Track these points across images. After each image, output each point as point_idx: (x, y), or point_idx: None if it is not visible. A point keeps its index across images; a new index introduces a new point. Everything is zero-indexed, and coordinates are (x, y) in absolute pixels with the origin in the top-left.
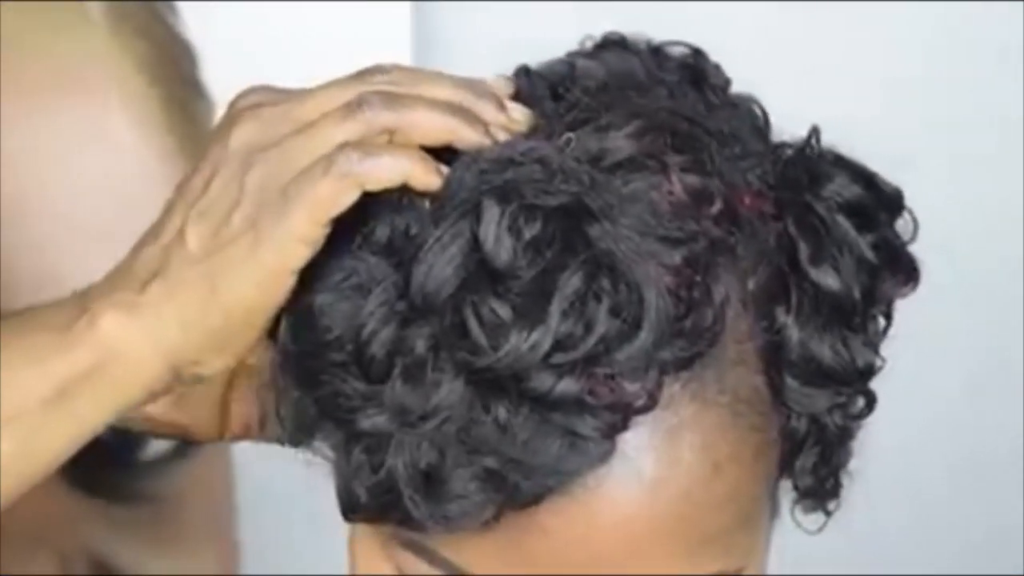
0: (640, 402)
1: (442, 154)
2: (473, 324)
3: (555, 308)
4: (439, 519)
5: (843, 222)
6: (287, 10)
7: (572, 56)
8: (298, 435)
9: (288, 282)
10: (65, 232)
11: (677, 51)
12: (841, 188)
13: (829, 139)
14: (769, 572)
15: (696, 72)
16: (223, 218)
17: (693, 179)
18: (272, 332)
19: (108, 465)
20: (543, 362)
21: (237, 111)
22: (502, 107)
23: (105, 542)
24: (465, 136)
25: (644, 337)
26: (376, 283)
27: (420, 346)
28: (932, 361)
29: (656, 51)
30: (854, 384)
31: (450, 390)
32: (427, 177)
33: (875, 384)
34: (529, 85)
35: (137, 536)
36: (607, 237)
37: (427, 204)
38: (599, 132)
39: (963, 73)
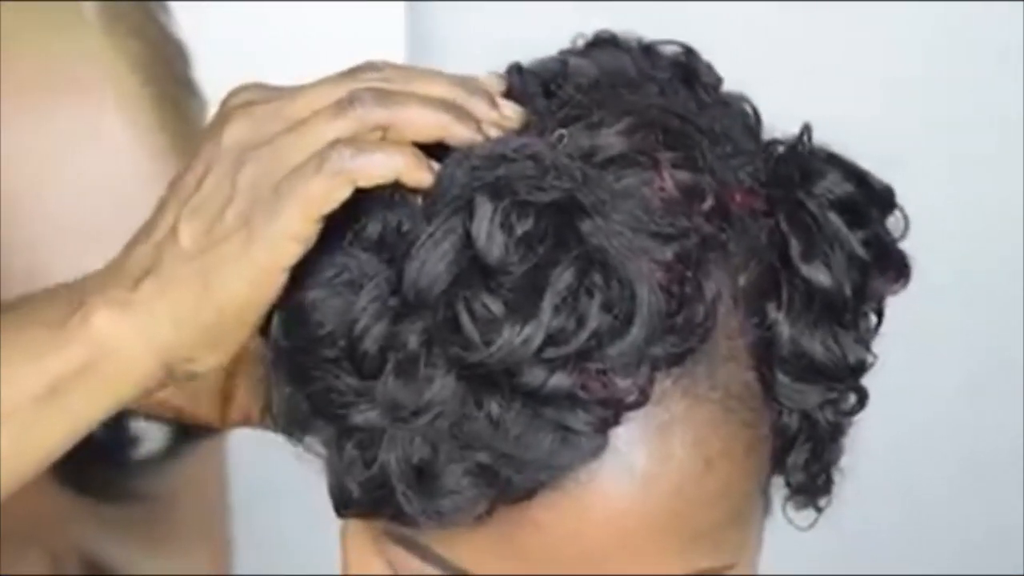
0: (632, 397)
1: (434, 151)
2: (465, 319)
3: (547, 303)
4: (432, 514)
5: (834, 219)
6: (281, 10)
7: (564, 54)
8: (290, 431)
9: (280, 279)
10: (59, 231)
11: (669, 49)
12: (833, 185)
13: (829, 139)
14: (769, 572)
15: (687, 70)
16: (216, 215)
17: (684, 175)
18: (264, 329)
19: (100, 464)
20: (535, 357)
21: (229, 109)
22: (494, 104)
23: (97, 541)
24: (457, 133)
25: (636, 333)
26: (368, 279)
27: (412, 341)
28: (932, 361)
29: (647, 49)
30: (845, 380)
31: (442, 385)
32: (419, 174)
33: (875, 384)
34: (521, 82)
35: (129, 535)
36: (599, 233)
37: (419, 200)
38: (591, 129)
39: (963, 73)
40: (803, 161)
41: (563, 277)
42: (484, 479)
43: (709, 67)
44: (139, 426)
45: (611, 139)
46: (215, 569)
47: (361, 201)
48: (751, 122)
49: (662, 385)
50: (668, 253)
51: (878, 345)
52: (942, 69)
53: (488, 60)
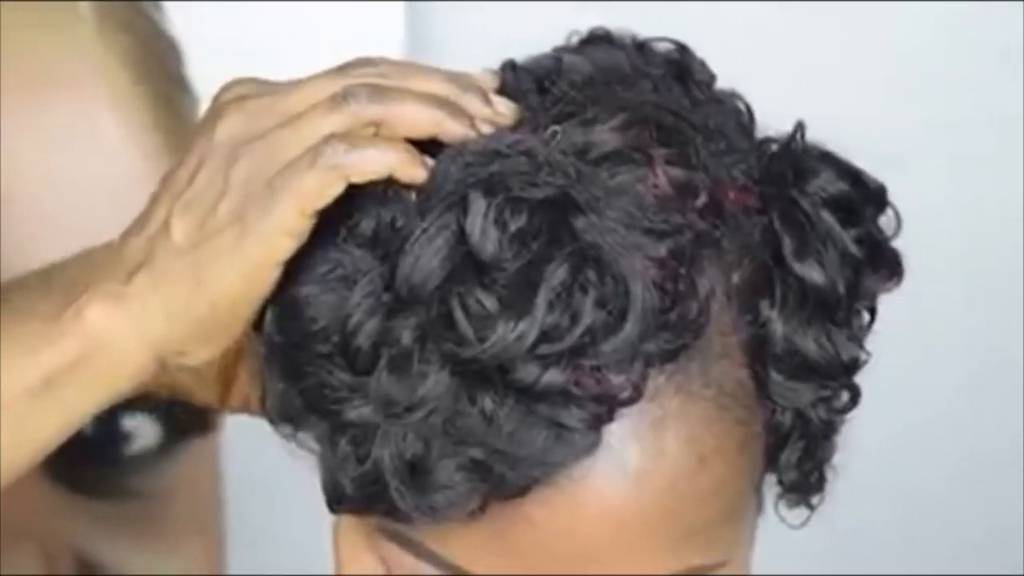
0: (625, 394)
1: (428, 147)
2: (459, 315)
3: (541, 300)
4: (425, 510)
5: (828, 217)
6: (280, 10)
7: (558, 51)
8: (284, 427)
9: (273, 274)
10: (54, 229)
11: (662, 47)
12: (826, 183)
13: (829, 139)
14: (769, 572)
15: (681, 67)
16: (209, 210)
17: (678, 172)
18: (258, 324)
19: (92, 461)
20: (529, 353)
21: (222, 103)
22: (487, 100)
23: (90, 539)
24: (450, 129)
25: (629, 329)
26: (362, 275)
27: (406, 337)
28: (932, 361)
29: (641, 46)
30: (838, 378)
31: (436, 381)
32: (413, 169)
33: (875, 384)
34: (515, 79)
35: (122, 533)
36: (593, 229)
37: (413, 196)
38: (585, 125)
39: (963, 73)
40: (796, 159)
41: (557, 273)
42: (477, 475)
43: (703, 64)
44: (132, 423)
45: (605, 135)
46: (209, 567)
47: (355, 197)
48: (744, 120)
49: (655, 382)
50: (662, 250)
51: (878, 345)
52: (942, 69)
53: (487, 60)
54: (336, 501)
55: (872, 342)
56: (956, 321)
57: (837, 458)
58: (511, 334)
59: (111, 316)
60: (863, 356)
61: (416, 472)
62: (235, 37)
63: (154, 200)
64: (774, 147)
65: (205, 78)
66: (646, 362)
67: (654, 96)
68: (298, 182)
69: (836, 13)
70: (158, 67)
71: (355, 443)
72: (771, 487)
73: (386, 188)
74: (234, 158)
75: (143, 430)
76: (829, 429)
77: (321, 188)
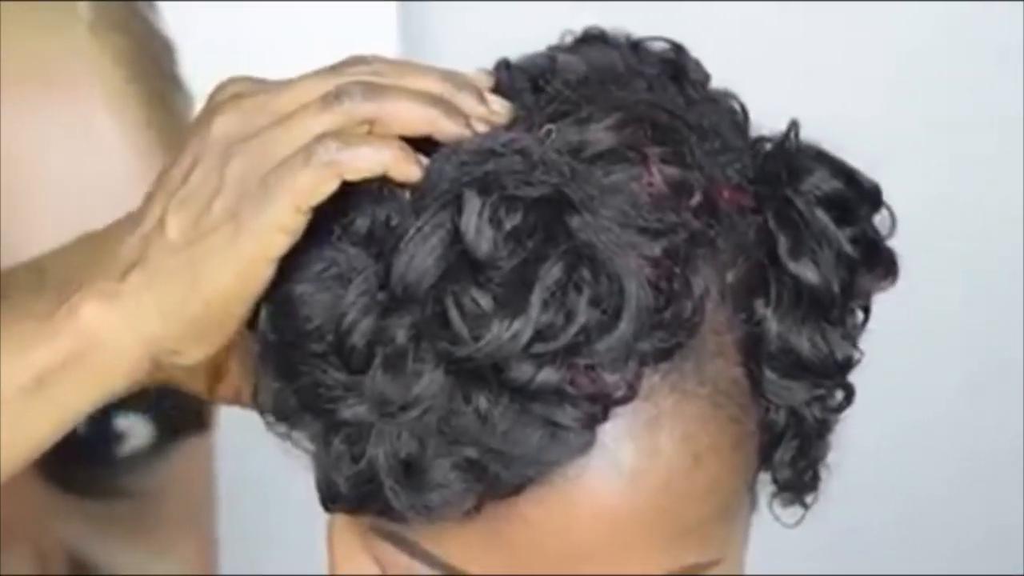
0: (620, 393)
1: (422, 146)
2: (454, 314)
3: (536, 298)
4: (419, 509)
5: (822, 216)
6: (273, 10)
7: (552, 50)
8: (278, 426)
9: (267, 271)
10: (50, 228)
11: (657, 46)
12: (820, 182)
13: (829, 139)
14: (768, 572)
15: (676, 67)
16: (203, 207)
17: (673, 171)
18: (252, 322)
19: (85, 461)
20: (523, 352)
21: (217, 102)
22: (482, 99)
23: (83, 539)
24: (445, 127)
25: (624, 328)
26: (356, 273)
27: (401, 336)
28: (932, 361)
29: (636, 46)
30: (833, 377)
31: (430, 380)
32: (407, 168)
33: (875, 384)
34: (509, 78)
35: (115, 533)
36: (587, 228)
37: (407, 195)
38: (579, 124)
39: (963, 73)
40: (791, 158)
41: (551, 272)
42: (472, 474)
43: (697, 64)
44: (125, 423)
45: (599, 134)
46: (202, 567)
47: (349, 195)
48: (739, 119)
49: (650, 381)
50: (656, 249)
51: (878, 345)
52: (942, 69)
53: (481, 60)
54: (330, 500)
55: (872, 342)
56: (956, 321)
57: (837, 458)
58: (506, 333)
59: (105, 314)
60: (857, 355)
61: (411, 471)
62: (228, 37)
63: (149, 198)
64: (768, 146)
65: (199, 77)
66: (640, 361)
67: (649, 95)
68: (292, 179)
69: (836, 13)
70: (152, 66)
71: (349, 442)
72: (766, 486)
73: (381, 186)
74: (229, 156)
75: (136, 430)
76: (823, 428)
77: (315, 185)
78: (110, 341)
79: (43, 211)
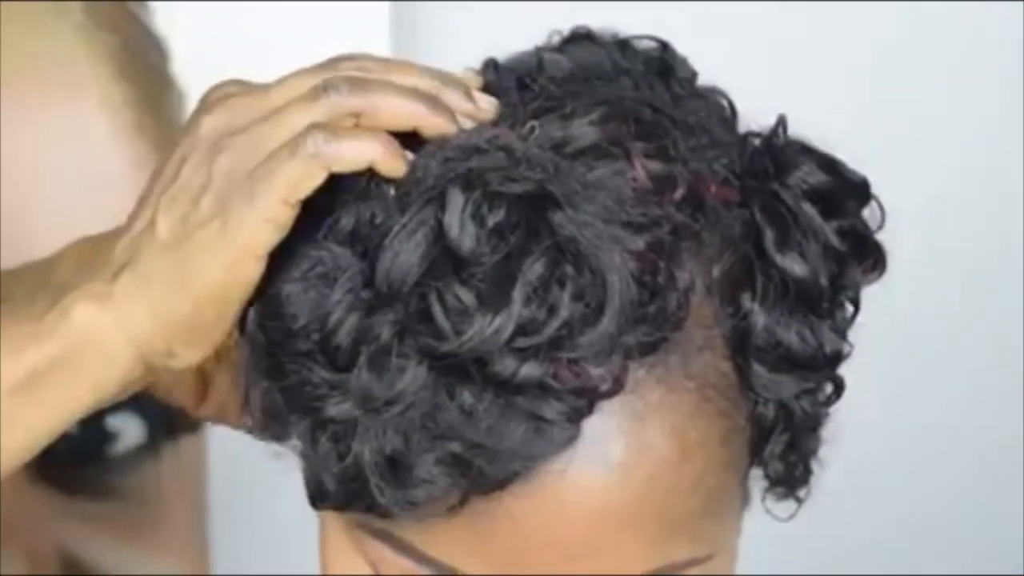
0: (605, 386)
1: (408, 143)
2: (437, 310)
3: (518, 293)
4: (405, 505)
5: (809, 209)
6: (265, 11)
7: (539, 50)
8: (267, 426)
9: (256, 267)
10: (44, 229)
11: (644, 44)
12: (807, 175)
13: (829, 139)
14: (768, 572)
15: (663, 64)
16: (192, 204)
17: (656, 165)
18: (243, 327)
19: (77, 460)
20: (506, 346)
21: (206, 103)
22: (469, 96)
23: (75, 539)
24: (431, 122)
25: (607, 321)
26: (342, 272)
27: (385, 333)
28: (932, 361)
29: (623, 44)
30: (821, 370)
31: (414, 376)
32: (393, 161)
33: (876, 384)
34: (496, 77)
35: (108, 532)
36: (570, 223)
37: (392, 193)
38: (563, 120)
39: (963, 73)
40: (777, 153)
41: (534, 267)
42: (457, 469)
43: (684, 62)
44: (117, 422)
45: (583, 129)
46: (194, 567)
47: (335, 194)
48: (727, 115)
49: (636, 374)
50: (640, 242)
51: (878, 345)
52: (942, 69)
53: (472, 60)
54: (318, 498)
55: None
56: (956, 321)
57: (837, 458)
58: (488, 328)
59: (97, 316)
60: (847, 348)
61: (396, 467)
62: (220, 37)
63: (141, 200)
64: (756, 142)
65: (191, 76)
66: (625, 355)
67: (634, 92)
68: (280, 172)
69: (836, 13)
70: (144, 66)
71: (336, 439)
72: (759, 482)
73: (366, 183)
74: (216, 151)
75: (128, 429)
76: (813, 421)
77: (302, 177)
78: (102, 343)
79: (38, 210)
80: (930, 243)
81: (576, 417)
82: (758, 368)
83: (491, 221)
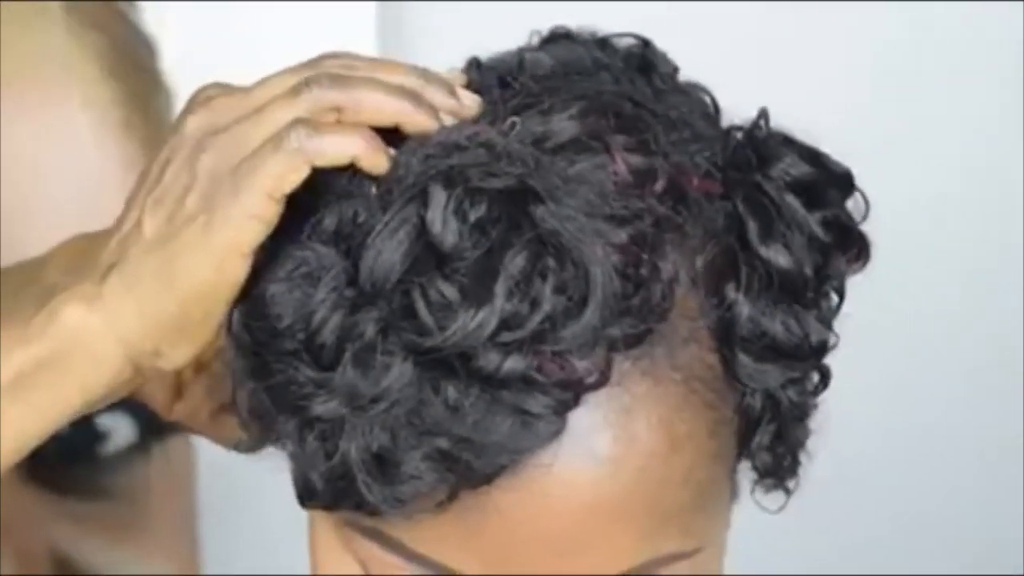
0: (591, 379)
1: (391, 141)
2: (421, 306)
3: (500, 287)
4: (393, 502)
5: (792, 200)
6: (251, 10)
7: (520, 50)
8: (254, 427)
9: (243, 264)
10: (31, 230)
11: (624, 42)
12: (790, 167)
13: (830, 139)
14: (768, 572)
15: (643, 60)
16: (177, 203)
17: (637, 159)
18: (229, 328)
19: (67, 459)
20: (490, 341)
21: (190, 105)
22: (452, 93)
23: (65, 538)
24: (413, 118)
25: (590, 314)
26: (325, 271)
27: (369, 330)
28: (932, 360)
29: (602, 42)
30: (807, 359)
31: (400, 372)
32: (375, 157)
33: (876, 384)
34: (479, 76)
35: (98, 532)
36: (552, 217)
37: (374, 191)
38: (543, 115)
39: (963, 73)
40: (760, 144)
41: (516, 261)
42: (444, 464)
43: (665, 57)
44: (107, 421)
45: (563, 124)
46: (184, 567)
47: (318, 194)
48: (709, 110)
49: (621, 367)
50: (622, 235)
51: (879, 345)
52: (941, 69)
53: (458, 60)
54: (307, 497)
55: (873, 342)
56: (956, 321)
57: (837, 457)
58: (471, 322)
59: (85, 317)
60: (832, 338)
61: (383, 464)
62: (207, 36)
63: (129, 201)
64: (739, 135)
65: (179, 79)
66: (610, 347)
67: (614, 86)
68: (263, 167)
69: (836, 13)
70: (132, 65)
71: (323, 438)
72: (749, 476)
73: (349, 181)
74: (200, 150)
75: (119, 429)
76: (801, 411)
77: (286, 172)
78: (90, 344)
79: (24, 210)
80: (930, 243)
81: (562, 410)
82: (743, 358)
83: (473, 216)
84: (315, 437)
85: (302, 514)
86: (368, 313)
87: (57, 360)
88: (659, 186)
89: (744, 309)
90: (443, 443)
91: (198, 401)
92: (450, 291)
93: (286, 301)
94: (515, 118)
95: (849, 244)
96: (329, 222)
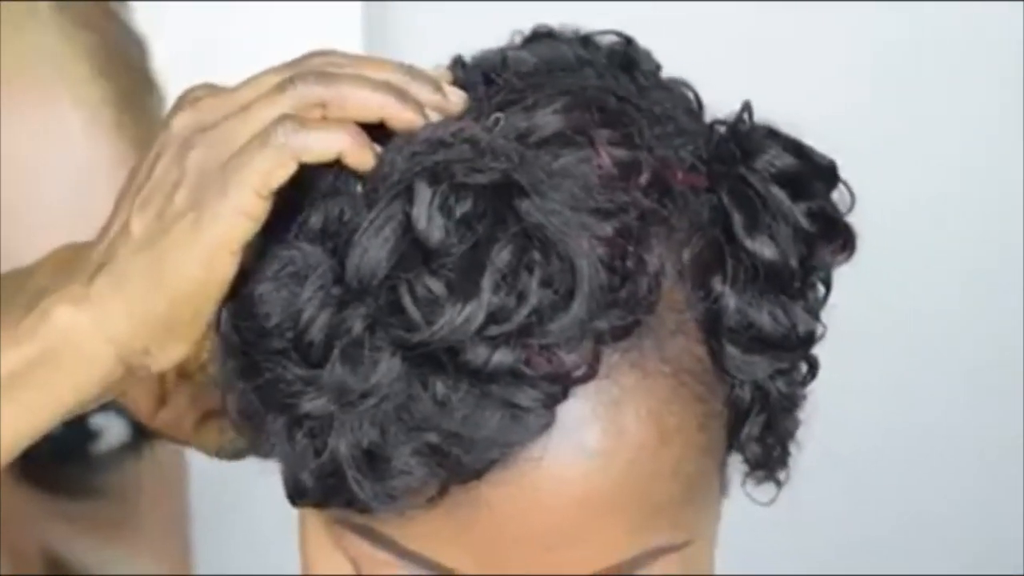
0: (579, 372)
1: (377, 138)
2: (408, 301)
3: (487, 281)
4: (383, 498)
5: (777, 192)
6: (236, 11)
7: (504, 49)
8: (243, 427)
9: (232, 261)
10: (21, 231)
11: (607, 39)
12: (774, 159)
13: (830, 139)
14: (769, 572)
15: (626, 57)
16: (165, 201)
17: (621, 152)
18: (219, 328)
19: (59, 459)
20: (477, 335)
21: (177, 105)
22: (438, 89)
23: (58, 538)
24: (398, 113)
25: (577, 307)
26: (312, 270)
27: (357, 327)
28: (932, 360)
29: (585, 39)
30: (795, 350)
31: (388, 368)
32: (361, 153)
33: (876, 383)
34: (464, 74)
35: (90, 532)
36: (537, 211)
37: (359, 188)
38: (527, 111)
39: (963, 73)
40: (744, 137)
41: (501, 255)
42: (434, 459)
43: (648, 55)
44: (99, 421)
45: (547, 119)
46: (176, 566)
47: (304, 193)
48: (693, 106)
49: (610, 360)
50: (608, 228)
51: (879, 345)
52: (941, 69)
53: (444, 60)
54: (297, 495)
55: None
56: (956, 321)
57: (837, 457)
58: (459, 316)
59: (75, 317)
60: (819, 329)
61: (373, 460)
62: (196, 37)
63: (118, 201)
64: (723, 129)
65: (169, 75)
66: (597, 340)
67: (597, 82)
68: (251, 164)
69: (837, 13)
70: (123, 64)
71: (312, 435)
72: (744, 473)
73: (334, 180)
74: (187, 149)
75: (111, 428)
76: (790, 402)
77: (274, 168)
78: (80, 344)
79: (16, 210)
80: (930, 243)
81: (551, 403)
82: (731, 350)
83: (458, 212)
84: (304, 435)
85: (293, 514)
86: (356, 310)
87: (48, 360)
88: (644, 179)
89: (731, 301)
90: (432, 438)
91: (182, 409)
92: (437, 286)
93: (274, 300)
94: (499, 114)
95: (834, 235)
96: (315, 221)
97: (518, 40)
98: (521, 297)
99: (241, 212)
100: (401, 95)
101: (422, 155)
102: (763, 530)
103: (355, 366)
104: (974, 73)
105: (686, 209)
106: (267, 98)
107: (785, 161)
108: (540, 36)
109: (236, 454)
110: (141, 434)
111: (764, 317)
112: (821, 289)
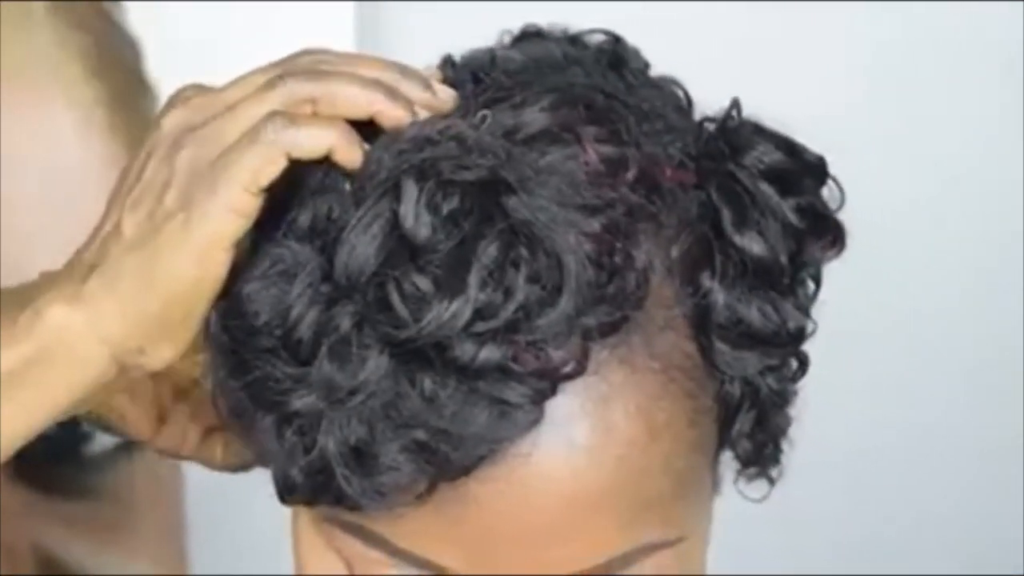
0: (567, 368)
1: (366, 135)
2: (395, 298)
3: (474, 278)
4: (372, 495)
5: (766, 188)
6: (229, 12)
7: (492, 48)
8: (234, 426)
9: (223, 259)
10: (15, 231)
11: (595, 38)
12: (762, 155)
13: (830, 139)
14: (772, 572)
15: (614, 55)
16: (156, 200)
17: (608, 149)
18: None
19: (53, 459)
20: (464, 331)
21: (166, 106)
22: (428, 87)
23: (51, 538)
24: (387, 110)
25: (564, 303)
26: (301, 268)
27: (345, 324)
28: (932, 360)
29: (574, 38)
30: (785, 346)
31: (376, 365)
32: (351, 150)
33: (876, 384)
34: (453, 73)
35: (84, 532)
36: (524, 208)
37: (347, 187)
38: (514, 108)
39: (963, 73)
40: (732, 134)
41: (488, 251)
42: (422, 456)
43: (637, 53)
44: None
45: (534, 116)
46: (171, 568)
47: (293, 191)
48: (681, 103)
49: (598, 356)
50: (595, 224)
51: (879, 345)
52: (942, 69)
53: (435, 60)
54: (287, 492)
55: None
56: (956, 321)
57: (837, 457)
58: (446, 313)
59: (68, 317)
60: (810, 325)
61: (361, 457)
62: (189, 37)
63: (109, 202)
64: (712, 126)
65: (161, 75)
66: (585, 336)
67: (585, 80)
68: (240, 161)
69: (837, 13)
70: (116, 65)
71: (301, 433)
72: (736, 470)
73: (324, 177)
74: (177, 148)
75: None
76: (780, 398)
77: (263, 164)
78: (73, 343)
79: (7, 210)
80: (930, 243)
81: (539, 399)
82: (720, 346)
83: (445, 209)
84: (293, 432)
85: (286, 515)
86: (344, 307)
87: (43, 359)
88: (631, 175)
89: (720, 297)
90: (421, 435)
91: (184, 426)
92: (424, 283)
93: (263, 299)
94: (486, 111)
95: (824, 231)
96: (304, 219)
97: (507, 40)
98: (508, 293)
99: (231, 209)
100: (391, 92)
101: (409, 152)
102: (763, 530)
103: (343, 363)
104: (974, 72)
105: (674, 205)
106: (256, 96)
107: (774, 157)
108: (529, 35)
109: (241, 467)
110: None
111: (753, 313)
112: (811, 285)
